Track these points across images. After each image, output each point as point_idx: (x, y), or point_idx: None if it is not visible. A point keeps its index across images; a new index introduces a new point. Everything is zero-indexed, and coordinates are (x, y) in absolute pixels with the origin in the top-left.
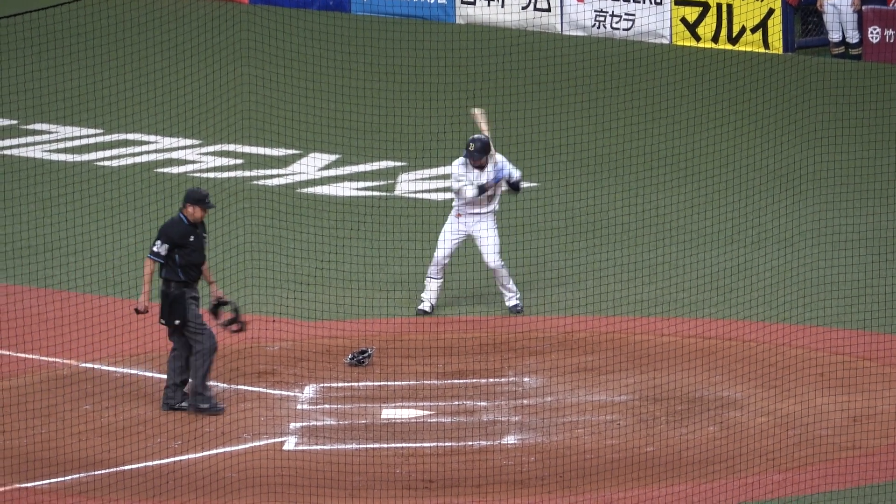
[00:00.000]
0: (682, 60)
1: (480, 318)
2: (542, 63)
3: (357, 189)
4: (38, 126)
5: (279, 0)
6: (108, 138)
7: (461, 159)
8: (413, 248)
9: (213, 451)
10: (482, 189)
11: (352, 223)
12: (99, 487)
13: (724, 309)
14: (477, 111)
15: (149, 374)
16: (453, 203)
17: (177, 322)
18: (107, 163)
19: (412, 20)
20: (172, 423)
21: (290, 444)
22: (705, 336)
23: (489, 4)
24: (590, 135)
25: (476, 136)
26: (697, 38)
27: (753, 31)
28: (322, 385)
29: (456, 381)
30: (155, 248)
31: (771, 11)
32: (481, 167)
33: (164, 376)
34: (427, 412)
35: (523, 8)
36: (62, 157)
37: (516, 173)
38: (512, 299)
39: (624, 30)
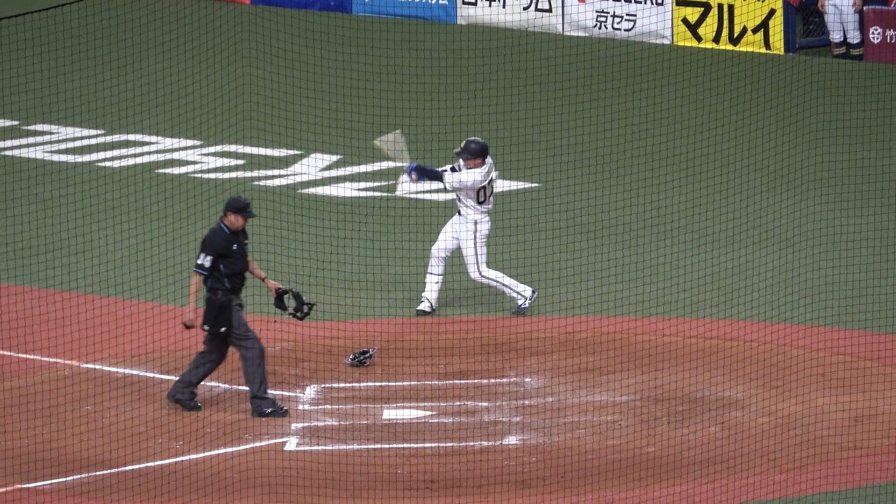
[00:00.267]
0: (683, 61)
1: (482, 319)
2: (543, 63)
3: (358, 190)
4: (39, 127)
5: (280, 0)
6: (109, 139)
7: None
8: (414, 249)
9: (215, 452)
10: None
11: (353, 224)
12: (100, 488)
13: (726, 309)
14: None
15: (150, 374)
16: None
17: (222, 329)
18: (108, 163)
19: (413, 21)
20: (174, 423)
21: (292, 444)
22: (707, 336)
23: (490, 5)
24: (591, 135)
25: (475, 137)
26: (699, 39)
27: (755, 31)
28: (323, 385)
29: (457, 381)
30: (199, 261)
31: (772, 12)
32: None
33: (165, 376)
34: (428, 413)
35: (524, 8)
36: (63, 157)
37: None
38: (519, 298)
39: (625, 30)
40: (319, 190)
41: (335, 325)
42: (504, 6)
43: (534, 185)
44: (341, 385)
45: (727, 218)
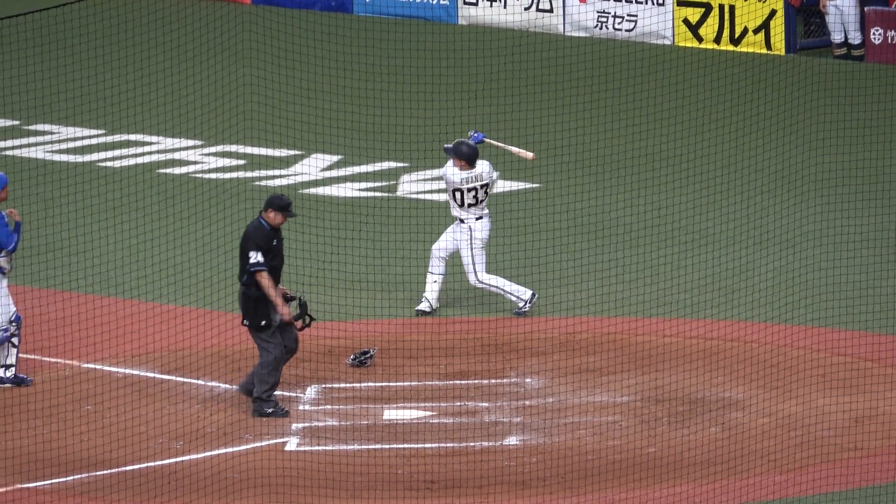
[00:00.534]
0: (684, 61)
1: (482, 319)
2: (544, 64)
3: (359, 190)
4: (40, 127)
5: (281, 0)
6: (110, 139)
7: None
8: (415, 249)
9: (215, 452)
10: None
11: (354, 224)
12: (101, 488)
13: (726, 310)
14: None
15: (150, 374)
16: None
17: (262, 323)
18: (109, 163)
19: (414, 21)
20: (174, 423)
21: (292, 444)
22: (707, 337)
23: (491, 5)
24: (592, 136)
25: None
26: (700, 39)
27: (756, 32)
28: (324, 386)
29: (458, 381)
30: (254, 260)
31: (773, 12)
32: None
33: (166, 376)
34: (429, 413)
35: (525, 9)
36: (64, 157)
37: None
38: (519, 301)
39: (626, 31)
40: (320, 190)
41: (336, 325)
42: (505, 6)
43: (535, 185)
44: (342, 385)
45: (728, 218)
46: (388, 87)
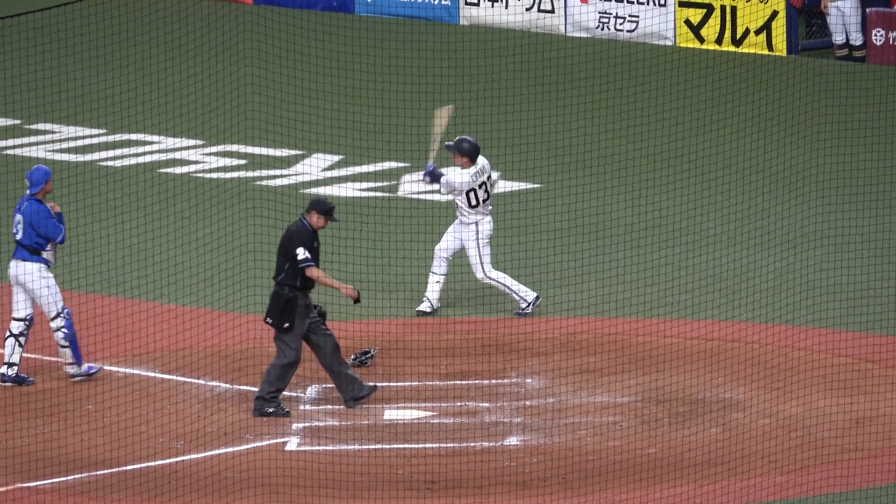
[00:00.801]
0: (685, 62)
1: (483, 320)
2: (545, 64)
3: (360, 190)
4: (41, 126)
5: (283, 0)
6: (111, 138)
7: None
8: (416, 249)
9: (216, 452)
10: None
11: (355, 224)
12: (101, 487)
13: (727, 310)
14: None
15: (151, 374)
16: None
17: (286, 326)
18: (110, 163)
19: (416, 21)
20: (175, 423)
21: (293, 444)
22: (708, 338)
23: (493, 6)
24: (593, 136)
25: (466, 137)
26: (701, 40)
27: (757, 33)
28: (324, 385)
29: (458, 382)
30: (302, 256)
31: (775, 13)
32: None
33: (166, 376)
34: (429, 413)
35: (527, 9)
36: (65, 156)
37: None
38: (522, 302)
39: (628, 31)
40: (321, 190)
41: (336, 325)
42: (506, 7)
43: (536, 185)
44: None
45: (729, 219)
46: (389, 87)
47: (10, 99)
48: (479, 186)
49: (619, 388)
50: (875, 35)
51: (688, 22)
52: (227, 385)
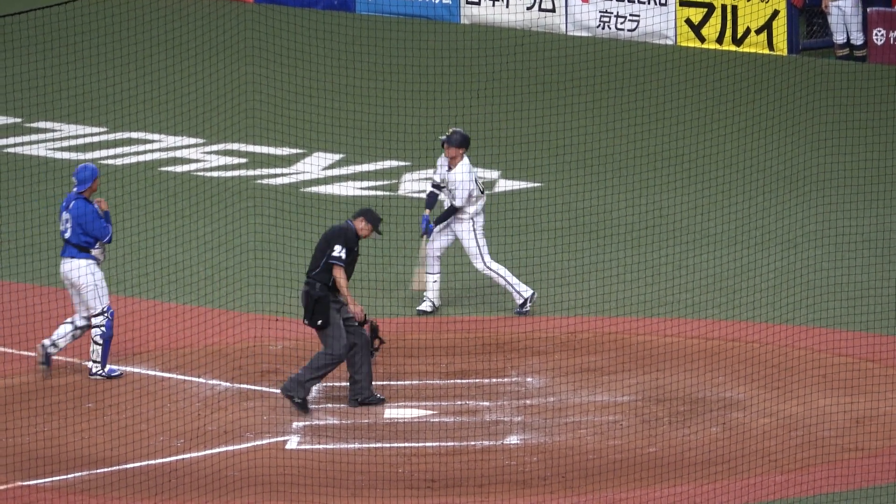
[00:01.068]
0: (686, 61)
1: (483, 318)
2: (546, 63)
3: (361, 188)
4: (42, 124)
5: None
6: (111, 136)
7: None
8: (416, 248)
9: (216, 450)
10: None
11: None
12: (101, 485)
13: (728, 310)
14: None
15: (151, 372)
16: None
17: (319, 323)
18: (111, 161)
19: (417, 20)
20: (175, 421)
21: (293, 443)
22: (708, 337)
23: (494, 5)
24: (594, 135)
25: (458, 129)
26: (702, 40)
27: (758, 32)
28: (325, 384)
29: (459, 380)
30: (337, 254)
31: (776, 13)
32: (451, 168)
33: (167, 374)
34: (430, 412)
35: (528, 8)
36: (66, 155)
37: (456, 202)
38: (518, 298)
39: (628, 30)
40: (322, 188)
41: None
42: (507, 6)
43: (536, 184)
44: (343, 384)
45: (729, 219)
46: (389, 85)
47: (11, 97)
48: (476, 179)
49: (619, 387)
50: (876, 34)
51: (688, 21)
52: (228, 384)
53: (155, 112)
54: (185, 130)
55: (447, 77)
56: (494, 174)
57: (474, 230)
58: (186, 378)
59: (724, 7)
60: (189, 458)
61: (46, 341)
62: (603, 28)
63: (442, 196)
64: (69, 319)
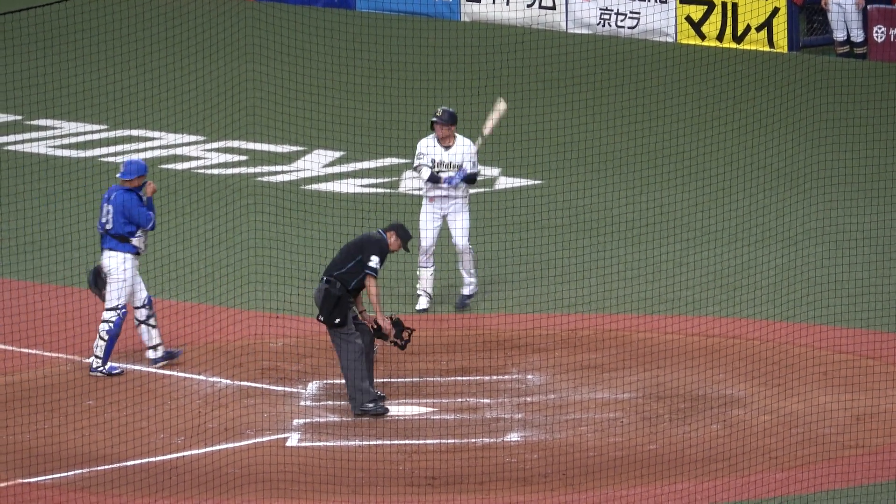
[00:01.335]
0: (686, 59)
1: (484, 316)
2: (546, 61)
3: (361, 186)
4: (42, 122)
5: None
6: (112, 134)
7: (428, 136)
8: (417, 246)
9: (217, 448)
10: (434, 179)
11: (356, 220)
12: (102, 483)
13: (728, 307)
14: (498, 111)
15: (152, 370)
16: (420, 189)
17: (337, 321)
18: (111, 159)
19: (417, 17)
20: (175, 419)
21: (294, 440)
22: (709, 334)
23: (494, 2)
24: (594, 132)
25: (444, 107)
26: (702, 37)
27: (758, 29)
28: (325, 381)
29: (459, 378)
30: (373, 265)
31: (776, 10)
32: (448, 146)
33: (167, 372)
34: (430, 409)
35: (528, 6)
36: (66, 152)
37: (472, 168)
38: (467, 288)
39: (629, 28)
40: (322, 186)
41: None
42: (508, 3)
43: (537, 182)
44: (343, 381)
45: (730, 216)
46: (390, 83)
47: (12, 95)
48: None
49: (619, 385)
50: (876, 32)
51: (689, 19)
52: (228, 381)
53: (155, 109)
54: (186, 128)
55: (447, 74)
56: (495, 171)
57: (468, 210)
58: (187, 375)
59: (724, 4)
60: (189, 455)
61: (150, 354)
62: (603, 25)
63: (443, 174)
64: (135, 324)
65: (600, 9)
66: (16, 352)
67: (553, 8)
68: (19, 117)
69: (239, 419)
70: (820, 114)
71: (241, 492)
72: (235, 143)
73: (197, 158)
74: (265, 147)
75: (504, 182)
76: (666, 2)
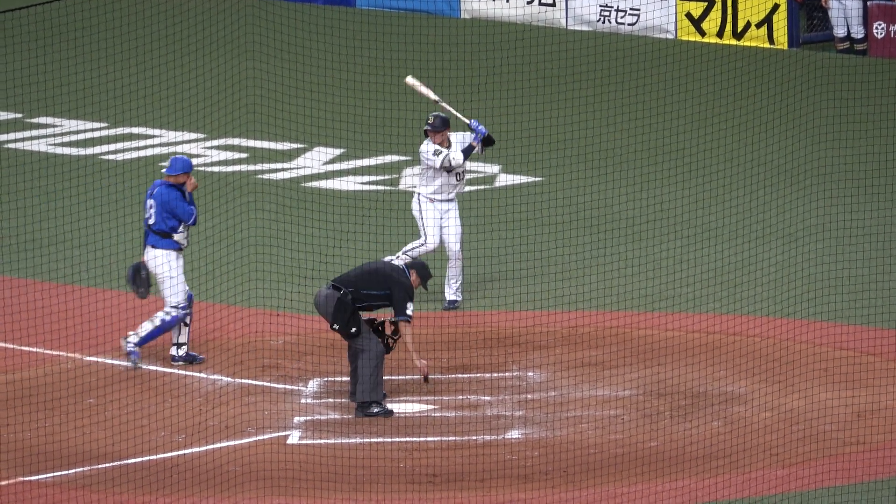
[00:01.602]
0: (686, 55)
1: (484, 313)
2: (546, 58)
3: (362, 183)
4: (42, 119)
5: None
6: (112, 132)
7: (425, 142)
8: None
9: (217, 445)
10: (469, 150)
11: (356, 217)
12: (103, 481)
13: (729, 304)
14: (411, 81)
15: (153, 367)
16: (418, 191)
17: (353, 330)
18: (111, 156)
19: (417, 14)
20: (176, 416)
21: (294, 438)
22: (710, 331)
23: None
24: (595, 129)
25: (434, 113)
26: (702, 33)
27: (758, 26)
28: (326, 379)
29: (460, 375)
30: (410, 312)
31: (776, 6)
32: (446, 145)
33: (168, 370)
34: (431, 406)
35: (528, 2)
36: (67, 150)
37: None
38: (453, 294)
39: (629, 24)
40: (323, 183)
41: None
42: (507, 0)
43: (537, 179)
44: (344, 379)
45: (730, 213)
46: (390, 80)
47: (12, 92)
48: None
49: (620, 382)
50: (876, 28)
51: (689, 15)
52: (229, 378)
53: (155, 107)
54: (186, 125)
55: (447, 72)
56: (495, 168)
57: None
58: (188, 373)
59: (724, 1)
60: (190, 453)
61: (173, 350)
62: (603, 22)
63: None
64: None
65: (600, 5)
66: (16, 350)
67: (553, 5)
68: (19, 115)
69: (240, 417)
70: (820, 110)
71: (242, 489)
72: (236, 141)
73: (197, 156)
74: (265, 144)
75: (504, 179)
76: None
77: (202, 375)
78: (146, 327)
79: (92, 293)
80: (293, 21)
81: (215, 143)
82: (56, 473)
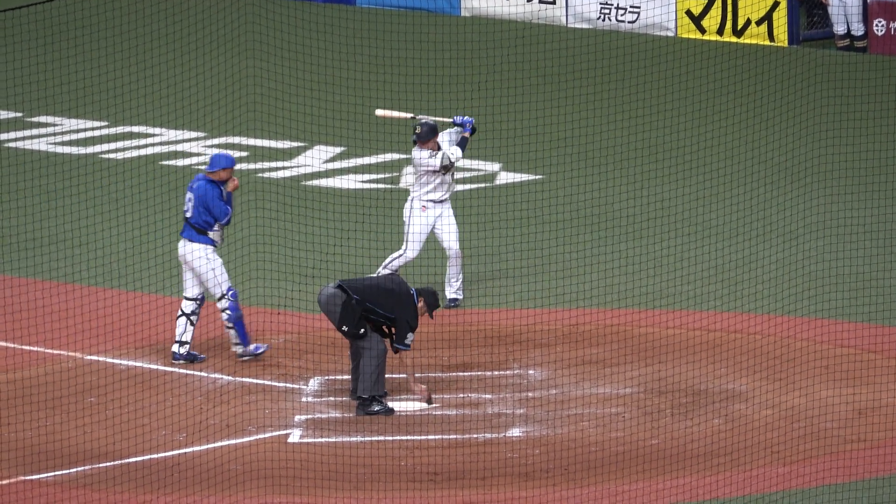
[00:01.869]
0: (687, 53)
1: (485, 311)
2: (547, 56)
3: (362, 181)
4: (42, 118)
5: None
6: (112, 131)
7: (415, 149)
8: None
9: (218, 444)
10: (464, 142)
11: (357, 215)
12: (103, 480)
13: (729, 301)
14: (381, 112)
15: (153, 366)
16: (413, 195)
17: (362, 332)
18: (111, 155)
19: (417, 12)
20: (177, 415)
21: (295, 436)
22: (710, 328)
23: None
24: (595, 127)
25: (419, 123)
26: (702, 31)
27: (758, 23)
28: (327, 378)
29: (461, 373)
30: (409, 341)
31: (776, 4)
32: (437, 150)
33: (168, 368)
34: (432, 404)
35: (528, 0)
36: (67, 149)
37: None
38: (454, 292)
39: (629, 22)
40: (323, 182)
41: None
42: None
43: (537, 177)
44: (345, 377)
45: (731, 210)
46: (390, 78)
47: (12, 91)
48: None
49: (621, 380)
50: (876, 25)
51: (689, 13)
52: (230, 377)
53: (155, 106)
54: (186, 124)
55: (448, 70)
56: (495, 167)
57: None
58: (188, 372)
59: None
60: (191, 451)
61: (175, 347)
62: (603, 20)
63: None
64: (178, 313)
65: (600, 3)
66: (17, 349)
67: (553, 3)
68: (20, 114)
69: (240, 415)
70: (820, 108)
71: (243, 488)
72: (236, 140)
73: (198, 155)
74: (265, 143)
75: (504, 177)
76: None
77: (203, 374)
78: (232, 334)
79: (92, 292)
80: (293, 19)
81: (215, 141)
82: (57, 472)
